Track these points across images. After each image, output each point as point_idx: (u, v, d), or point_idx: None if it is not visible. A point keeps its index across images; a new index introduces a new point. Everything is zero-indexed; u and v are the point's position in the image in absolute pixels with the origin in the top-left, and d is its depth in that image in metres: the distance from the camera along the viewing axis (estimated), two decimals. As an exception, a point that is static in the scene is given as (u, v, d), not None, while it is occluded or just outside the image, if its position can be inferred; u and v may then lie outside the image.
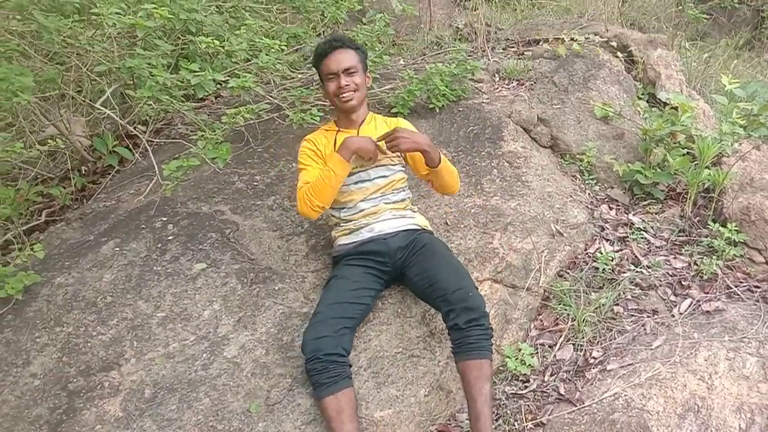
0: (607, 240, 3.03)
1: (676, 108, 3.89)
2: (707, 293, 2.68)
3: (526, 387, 2.26)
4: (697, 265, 2.85)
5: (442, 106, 3.58)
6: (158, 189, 2.73)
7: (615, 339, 2.44)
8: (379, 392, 2.09)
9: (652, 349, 2.37)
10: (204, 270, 2.44)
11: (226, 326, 2.25)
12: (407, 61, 4.59)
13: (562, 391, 2.22)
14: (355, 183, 2.37)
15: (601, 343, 2.43)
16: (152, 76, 2.47)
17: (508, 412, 2.17)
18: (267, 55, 2.80)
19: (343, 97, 2.32)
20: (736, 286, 2.71)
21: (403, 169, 2.50)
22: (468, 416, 1.99)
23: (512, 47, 4.81)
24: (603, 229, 3.10)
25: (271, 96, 3.37)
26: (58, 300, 2.33)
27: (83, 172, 3.61)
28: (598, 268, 2.78)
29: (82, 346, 2.17)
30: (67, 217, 3.05)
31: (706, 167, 3.19)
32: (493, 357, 2.06)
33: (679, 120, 3.45)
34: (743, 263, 2.86)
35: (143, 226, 2.68)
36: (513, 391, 2.25)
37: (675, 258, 2.94)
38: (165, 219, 2.72)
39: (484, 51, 4.63)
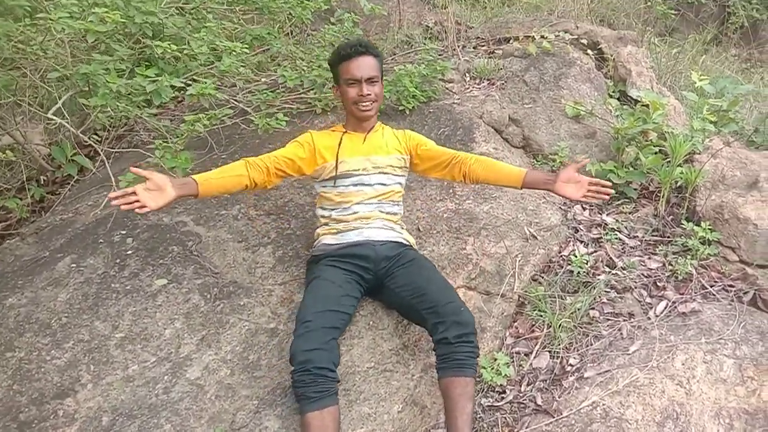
0: (581, 242, 2.98)
1: (647, 105, 3.88)
2: (682, 294, 2.65)
3: (502, 398, 2.20)
4: (671, 265, 2.82)
5: (413, 107, 3.51)
6: (116, 201, 2.60)
7: (591, 345, 2.39)
8: (351, 411, 2.00)
9: (629, 354, 2.33)
10: (165, 286, 2.33)
11: (189, 346, 2.14)
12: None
13: (539, 402, 2.16)
14: (355, 185, 2.31)
15: (578, 350, 2.38)
16: (106, 83, 2.34)
17: (485, 425, 2.10)
18: (228, 58, 2.69)
19: (363, 106, 2.29)
20: (711, 286, 2.68)
21: (401, 183, 2.45)
22: (445, 434, 1.92)
23: (483, 46, 4.75)
24: (577, 230, 3.05)
25: (235, 100, 3.26)
26: (10, 323, 2.19)
27: (42, 183, 3.46)
28: (572, 272, 2.73)
29: (34, 372, 2.05)
30: (21, 232, 2.90)
31: (679, 165, 3.17)
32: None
33: (651, 118, 3.43)
34: (717, 262, 2.84)
35: (101, 240, 2.56)
36: (489, 403, 2.18)
37: (649, 258, 2.90)
38: (124, 232, 2.59)
39: (454, 50, 4.56)
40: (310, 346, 1.87)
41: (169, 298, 2.28)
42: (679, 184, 3.25)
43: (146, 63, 3.48)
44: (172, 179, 1.99)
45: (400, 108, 3.46)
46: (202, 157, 3.11)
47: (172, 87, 2.44)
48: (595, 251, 2.92)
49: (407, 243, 2.33)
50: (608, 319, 2.52)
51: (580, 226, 3.08)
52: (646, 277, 2.77)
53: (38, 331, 2.17)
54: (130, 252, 2.48)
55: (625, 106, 3.80)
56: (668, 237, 3.03)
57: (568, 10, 5.65)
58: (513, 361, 2.34)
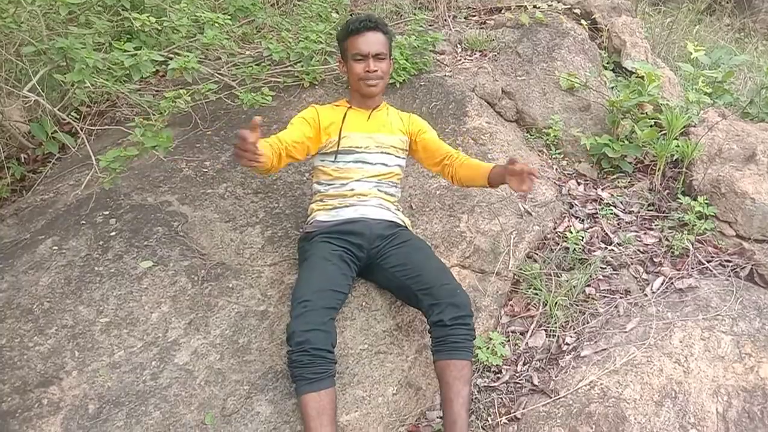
0: (577, 217, 2.93)
1: (641, 77, 3.80)
2: (679, 270, 2.61)
3: (498, 378, 2.16)
4: (668, 240, 2.78)
5: (403, 80, 3.41)
6: (98, 180, 2.51)
7: (588, 323, 2.35)
8: (344, 394, 1.96)
9: (626, 332, 2.29)
10: (150, 268, 2.25)
11: (177, 330, 2.07)
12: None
13: (535, 382, 2.12)
14: (355, 162, 2.26)
15: (574, 328, 2.34)
16: (83, 58, 2.23)
17: (481, 406, 2.07)
18: (211, 30, 2.58)
19: (369, 82, 2.23)
20: (707, 262, 2.65)
21: (402, 166, 2.39)
22: (442, 418, 1.88)
23: (474, 16, 4.63)
24: (572, 206, 3.00)
25: (219, 74, 3.15)
26: (-11, 308, 2.12)
27: (22, 161, 3.35)
28: (568, 248, 2.68)
29: (17, 359, 1.98)
30: (1, 213, 2.81)
31: (675, 139, 3.11)
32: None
33: (646, 90, 3.36)
34: (714, 237, 2.80)
35: (83, 221, 2.47)
36: (485, 384, 2.15)
37: (645, 234, 2.86)
38: (107, 213, 2.50)
39: (445, 20, 4.44)
40: (308, 326, 1.82)
41: (155, 281, 2.21)
42: (675, 157, 3.19)
43: (128, 36, 3.35)
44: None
45: (391, 81, 3.36)
46: (186, 133, 3.01)
47: (153, 61, 2.33)
48: (591, 227, 2.87)
49: (402, 224, 2.27)
50: (604, 296, 2.48)
51: (575, 202, 3.03)
52: (642, 252, 2.73)
53: (20, 316, 2.09)
54: (113, 233, 2.39)
55: (619, 78, 3.72)
56: (664, 211, 2.99)
57: (560, -21, 5.51)
58: (509, 341, 2.30)
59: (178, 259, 2.30)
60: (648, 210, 3.02)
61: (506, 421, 2.02)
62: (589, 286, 2.52)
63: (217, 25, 2.50)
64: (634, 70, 3.88)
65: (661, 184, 3.14)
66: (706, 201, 2.85)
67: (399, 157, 2.35)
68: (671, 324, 2.31)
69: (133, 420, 1.84)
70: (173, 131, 3.03)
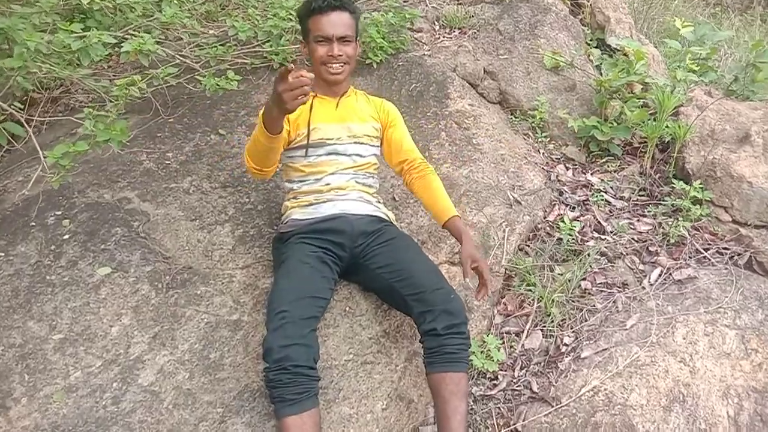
0: (567, 205, 2.78)
1: (626, 54, 3.65)
2: (676, 259, 2.49)
3: (495, 386, 2.01)
4: (662, 227, 2.65)
5: (380, 60, 3.19)
6: (48, 176, 2.25)
7: (586, 320, 2.21)
8: (330, 413, 1.77)
9: (626, 330, 2.16)
10: (109, 276, 2.02)
11: (140, 345, 1.86)
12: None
13: (535, 388, 1.97)
14: (328, 154, 2.05)
15: (572, 327, 2.20)
16: (23, 40, 1.96)
17: (478, 418, 1.91)
18: (171, 7, 2.32)
19: (332, 69, 2.01)
20: (705, 250, 2.53)
21: (377, 155, 2.19)
22: (436, 435, 1.71)
23: (450, -9, 4.41)
24: (561, 193, 2.85)
25: (180, 55, 2.88)
26: (-77, 327, 1.87)
27: (-37, 156, 3.05)
28: (560, 239, 2.53)
29: (-44, 385, 1.74)
30: (-62, 215, 2.53)
31: (665, 120, 2.97)
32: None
33: (634, 68, 3.21)
34: (710, 223, 2.68)
35: (33, 223, 2.21)
36: (481, 393, 1.99)
37: (639, 221, 2.73)
38: (59, 213, 2.25)
39: (420, -4, 4.21)
40: (287, 341, 1.62)
41: (114, 290, 1.99)
42: (664, 139, 3.06)
43: (82, 16, 3.06)
44: None
45: (367, 61, 3.15)
46: (146, 122, 2.75)
47: (106, 44, 2.08)
48: (582, 215, 2.73)
49: (387, 218, 2.08)
50: (601, 291, 2.34)
51: (565, 188, 2.87)
52: (636, 241, 2.60)
53: (-41, 335, 1.85)
54: (66, 237, 2.15)
55: (604, 56, 3.56)
56: (656, 196, 2.86)
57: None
58: (503, 343, 2.14)
59: (140, 264, 2.08)
60: (639, 195, 2.89)
61: (505, 433, 1.87)
62: (584, 279, 2.37)
63: (176, 2, 2.24)
64: (618, 47, 3.73)
65: (651, 168, 3.01)
66: (700, 185, 2.72)
67: (373, 145, 2.16)
68: (673, 319, 2.18)
69: (92, 452, 1.63)
70: (131, 119, 2.78)
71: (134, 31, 2.74)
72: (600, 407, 1.86)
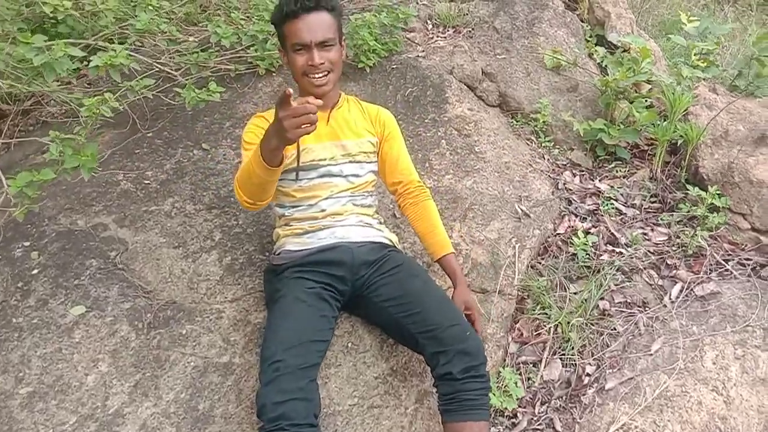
0: (577, 215, 2.61)
1: (627, 50, 3.49)
2: (696, 273, 2.33)
3: (514, 425, 1.84)
4: (678, 237, 2.49)
5: (373, 64, 2.99)
6: (13, 203, 2.04)
7: (607, 346, 2.05)
8: (335, 467, 1.59)
9: (651, 355, 1.99)
10: (83, 316, 1.82)
11: (119, 396, 1.66)
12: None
13: (558, 427, 1.81)
14: (321, 177, 1.83)
15: (593, 353, 2.03)
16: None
17: (497, 464, 1.74)
18: (145, 13, 2.11)
19: (315, 80, 1.74)
20: (725, 261, 2.37)
21: (375, 171, 1.97)
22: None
23: (440, -13, 4.22)
24: (570, 202, 2.68)
25: (159, 63, 2.67)
26: None
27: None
28: (574, 254, 2.37)
29: None
30: None
31: (679, 121, 2.81)
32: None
33: (640, 67, 3.04)
34: (728, 231, 2.53)
35: (-3, 255, 2.01)
36: (499, 434, 1.82)
37: (653, 231, 2.57)
38: (27, 244, 2.05)
39: (410, -7, 4.02)
40: (282, 396, 1.43)
41: (89, 332, 1.78)
42: (674, 141, 2.89)
43: (53, 21, 2.83)
44: None
45: (360, 65, 2.95)
46: (123, 137, 2.54)
47: (73, 57, 1.86)
48: (594, 226, 2.56)
49: (390, 243, 1.89)
50: (621, 311, 2.18)
51: (573, 197, 2.70)
52: (653, 254, 2.44)
53: None
54: (36, 271, 1.94)
55: (608, 55, 3.38)
56: (669, 203, 2.70)
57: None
58: (521, 375, 1.97)
59: (118, 301, 1.88)
60: (651, 202, 2.73)
61: (529, 480, 1.70)
62: (602, 299, 2.21)
63: (151, 7, 2.03)
64: (619, 44, 3.57)
65: (662, 172, 2.85)
66: (717, 191, 2.56)
67: (371, 162, 1.93)
68: (699, 341, 2.02)
69: None
70: (106, 135, 2.57)
71: (108, 38, 2.53)
72: (632, 449, 1.69)
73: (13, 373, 1.68)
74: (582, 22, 3.80)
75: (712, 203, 2.52)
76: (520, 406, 1.88)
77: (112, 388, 1.67)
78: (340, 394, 1.73)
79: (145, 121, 2.63)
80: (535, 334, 2.09)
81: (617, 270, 2.34)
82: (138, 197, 2.26)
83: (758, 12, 6.31)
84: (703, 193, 2.57)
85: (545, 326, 2.10)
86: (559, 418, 1.84)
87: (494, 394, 1.82)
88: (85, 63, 1.89)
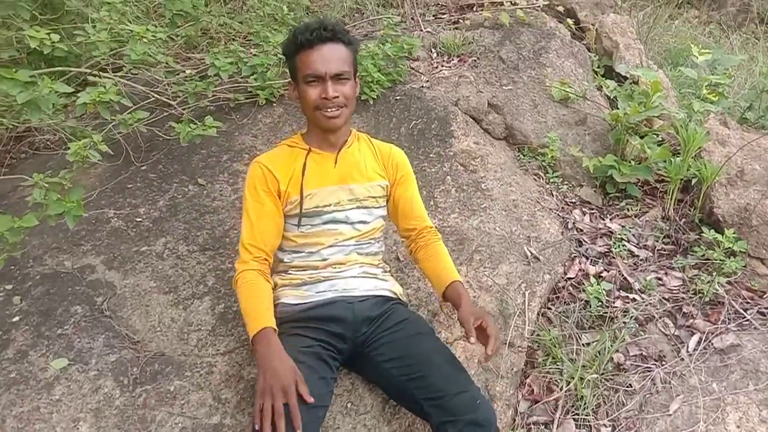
0: (588, 258, 2.51)
1: (636, 82, 3.41)
2: (714, 323, 2.22)
3: (525, 494, 1.71)
4: (694, 283, 2.38)
5: (377, 95, 2.90)
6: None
7: (623, 405, 1.92)
8: None
9: (670, 416, 1.88)
10: (65, 369, 1.70)
11: (100, 461, 1.54)
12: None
13: (573, 497, 1.68)
14: (326, 223, 1.72)
15: (608, 413, 1.91)
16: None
17: None
18: (139, 46, 2.02)
19: (328, 113, 1.65)
20: (744, 310, 2.26)
21: (384, 216, 1.86)
22: None
23: (443, 14, 4.16)
24: (581, 243, 2.57)
25: (155, 93, 2.58)
26: None
27: None
28: (586, 302, 2.25)
29: None
30: None
31: (691, 158, 2.72)
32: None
33: (651, 101, 2.95)
34: (745, 277, 2.42)
35: (-23, 299, 1.89)
36: (509, 504, 1.69)
37: (667, 275, 2.46)
38: (9, 287, 1.94)
39: (413, 19, 3.95)
40: None
41: (71, 388, 1.66)
42: (687, 180, 2.79)
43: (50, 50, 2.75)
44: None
45: (363, 97, 2.86)
46: (116, 171, 2.44)
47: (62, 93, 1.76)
48: (606, 269, 2.45)
49: (394, 296, 1.77)
50: (636, 365, 2.06)
51: (584, 238, 2.60)
52: (668, 300, 2.33)
53: None
54: (16, 319, 1.83)
55: (618, 88, 3.29)
56: (683, 245, 2.59)
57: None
58: (532, 438, 1.85)
59: (103, 353, 1.76)
60: (664, 243, 2.62)
61: None
62: (617, 351, 2.09)
63: (145, 40, 1.93)
64: (627, 76, 3.49)
65: (675, 211, 2.74)
66: (734, 235, 2.46)
67: (380, 207, 1.82)
68: (721, 400, 1.90)
69: None
70: (99, 167, 2.47)
71: (103, 68, 2.44)
72: None
73: (-13, 435, 1.56)
74: (589, 51, 3.73)
75: (729, 247, 2.42)
76: (531, 474, 1.76)
77: (92, 452, 1.55)
78: (339, 461, 1.60)
79: (140, 153, 2.53)
80: (546, 390, 1.97)
81: (631, 317, 2.22)
82: (129, 236, 2.15)
83: (765, 40, 6.26)
84: (719, 236, 2.47)
85: (557, 382, 1.97)
86: (574, 487, 1.71)
87: (504, 461, 1.69)
88: (74, 99, 1.79)
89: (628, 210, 2.79)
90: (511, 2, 3.95)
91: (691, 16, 7.07)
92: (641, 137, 2.93)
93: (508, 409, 1.87)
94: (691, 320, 2.24)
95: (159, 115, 2.61)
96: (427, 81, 3.21)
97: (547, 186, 2.86)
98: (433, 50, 3.56)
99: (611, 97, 3.27)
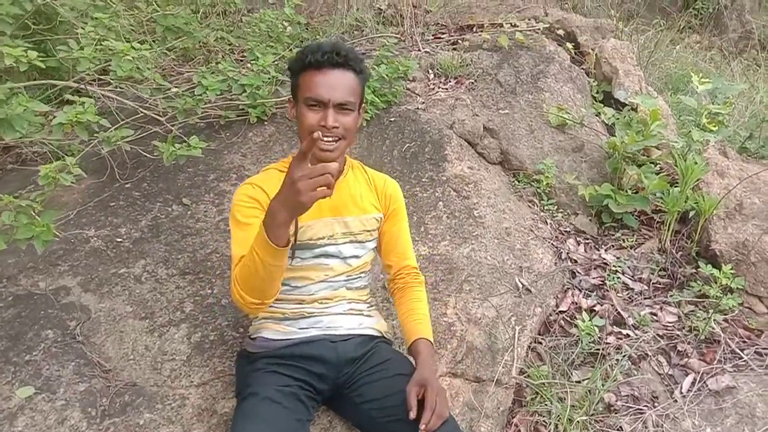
0: (581, 290, 2.44)
1: (635, 109, 3.37)
2: (709, 362, 2.15)
3: None
4: (689, 319, 2.32)
5: (371, 117, 2.85)
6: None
7: (614, 449, 1.85)
8: None
9: (662, 462, 1.80)
10: (31, 399, 1.63)
11: (60, 500, 1.46)
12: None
13: None
14: (316, 258, 1.61)
15: (597, 457, 1.84)
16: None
17: None
18: (126, 63, 1.97)
19: (323, 144, 1.49)
20: (741, 349, 2.20)
21: (375, 249, 1.76)
22: None
23: (443, 33, 4.13)
24: (574, 274, 2.51)
25: (143, 108, 2.52)
26: None
27: None
28: (576, 336, 2.19)
29: None
30: None
31: (689, 191, 2.66)
32: None
33: (649, 130, 2.90)
34: (743, 315, 2.36)
35: (-54, 320, 1.82)
36: None
37: (662, 310, 2.39)
38: (-21, 308, 1.86)
39: (412, 38, 3.92)
40: None
41: (35, 420, 1.59)
42: (687, 211, 2.73)
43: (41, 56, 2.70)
44: None
45: (356, 119, 2.80)
46: (99, 187, 2.38)
47: (43, 106, 1.71)
48: (599, 303, 2.38)
49: (379, 334, 1.70)
50: (628, 406, 1.99)
51: (578, 269, 2.53)
52: (662, 337, 2.26)
53: None
54: (-16, 342, 1.76)
55: (618, 116, 3.24)
56: (679, 278, 2.53)
57: (533, -7, 5.09)
58: (517, 482, 1.77)
59: (72, 381, 1.68)
60: (660, 276, 2.56)
61: None
62: (608, 391, 2.02)
63: (130, 58, 1.88)
64: (626, 102, 3.44)
65: (671, 243, 2.68)
66: (731, 271, 2.40)
67: (372, 239, 1.73)
68: (715, 447, 1.83)
69: None
70: (83, 183, 2.40)
71: (89, 81, 2.39)
72: None
73: (-59, 469, 1.48)
74: (588, 76, 3.69)
75: (726, 284, 2.36)
76: None
77: (53, 490, 1.48)
78: (313, 505, 1.53)
79: (125, 170, 2.47)
80: (534, 431, 1.90)
81: (624, 354, 2.15)
82: (108, 257, 2.08)
83: (765, 67, 6.24)
84: (715, 272, 2.41)
85: (545, 424, 1.90)
86: None
87: (486, 508, 1.62)
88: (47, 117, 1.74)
89: (623, 241, 2.73)
90: (511, 24, 3.92)
91: (693, 41, 7.06)
92: (639, 166, 2.88)
93: (493, 452, 1.79)
94: (686, 359, 2.18)
95: (148, 130, 2.56)
96: (423, 103, 3.17)
97: (542, 214, 2.80)
98: (430, 71, 3.52)
99: (609, 124, 3.22)
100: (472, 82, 3.39)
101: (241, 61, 3.24)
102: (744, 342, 2.25)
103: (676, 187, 2.73)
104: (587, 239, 2.73)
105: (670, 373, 2.14)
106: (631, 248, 2.69)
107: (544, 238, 2.62)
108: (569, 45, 3.80)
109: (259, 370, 1.52)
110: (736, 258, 2.45)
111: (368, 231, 1.69)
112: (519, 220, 2.64)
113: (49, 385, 1.67)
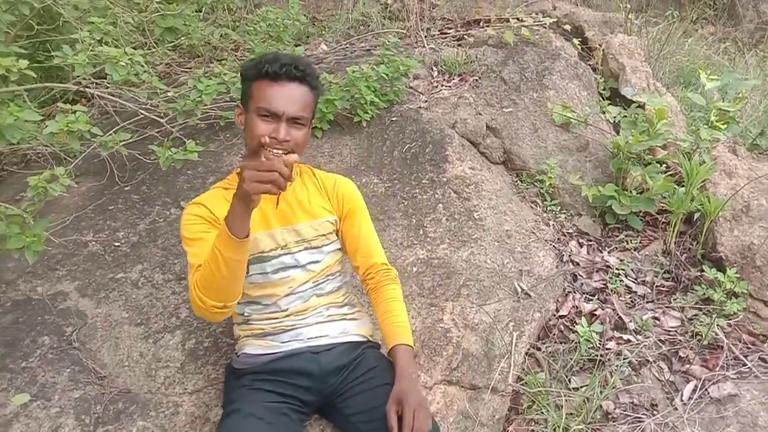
0: (582, 294, 2.41)
1: (641, 107, 3.31)
2: (712, 369, 2.12)
3: None
4: (692, 324, 2.28)
5: (371, 117, 2.83)
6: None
7: (610, 458, 1.83)
8: None
9: (659, 472, 1.78)
10: (26, 406, 1.64)
11: None
12: (330, 45, 3.80)
13: None
14: (276, 272, 1.59)
15: (594, 466, 1.82)
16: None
17: None
18: (120, 69, 1.96)
19: (270, 153, 1.42)
20: (744, 356, 2.16)
21: (339, 248, 1.73)
22: None
23: (449, 28, 4.09)
24: (576, 277, 2.48)
25: (143, 110, 2.52)
26: None
27: None
28: (576, 343, 2.16)
29: None
30: None
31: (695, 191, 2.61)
32: None
33: (656, 128, 2.85)
34: (747, 320, 2.32)
35: (-56, 325, 1.84)
36: None
37: (665, 314, 2.36)
38: (-23, 314, 1.88)
39: (417, 35, 3.88)
40: None
41: (29, 427, 1.60)
42: (693, 212, 2.69)
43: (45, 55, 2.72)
44: None
45: (356, 119, 2.78)
46: (99, 190, 2.38)
47: (35, 115, 1.71)
48: (600, 307, 2.35)
49: (364, 339, 1.69)
50: (627, 414, 1.97)
51: (579, 272, 2.50)
52: (663, 342, 2.23)
53: None
54: (-20, 348, 1.77)
55: (623, 114, 3.19)
56: (683, 282, 2.49)
57: (543, -13, 5.01)
58: (511, 492, 1.76)
59: (67, 388, 1.70)
60: (664, 279, 2.52)
61: None
62: (606, 398, 1.99)
63: (123, 64, 1.88)
64: (633, 99, 3.39)
65: (676, 245, 2.64)
66: (737, 275, 2.36)
67: (331, 242, 1.69)
68: (714, 457, 1.81)
69: None
70: (83, 185, 2.43)
71: (88, 84, 2.40)
72: None
73: (-63, 477, 1.50)
74: (595, 72, 3.63)
75: (730, 288, 2.32)
76: None
77: (45, 498, 1.49)
78: None
79: (125, 172, 2.48)
80: (529, 439, 1.89)
81: (624, 360, 2.13)
82: (105, 262, 2.09)
83: (779, 60, 6.11)
84: (720, 276, 2.36)
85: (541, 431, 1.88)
86: None
87: None
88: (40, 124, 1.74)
89: (627, 243, 2.69)
90: (517, 19, 3.87)
91: (707, 32, 6.92)
92: (645, 166, 2.83)
93: (487, 461, 1.78)
94: (688, 365, 2.15)
95: (149, 131, 2.57)
96: (426, 101, 3.14)
97: (544, 215, 2.77)
98: (434, 68, 3.49)
99: (615, 122, 3.18)
100: (476, 80, 3.35)
101: (243, 59, 3.23)
102: (748, 348, 2.21)
103: (682, 187, 2.69)
104: (590, 241, 2.70)
105: (671, 379, 2.11)
106: (635, 250, 2.65)
107: (545, 240, 2.59)
108: (576, 40, 3.75)
109: (245, 386, 1.52)
110: (741, 261, 2.41)
111: (323, 235, 1.66)
112: (520, 222, 2.61)
113: (44, 392, 1.68)
